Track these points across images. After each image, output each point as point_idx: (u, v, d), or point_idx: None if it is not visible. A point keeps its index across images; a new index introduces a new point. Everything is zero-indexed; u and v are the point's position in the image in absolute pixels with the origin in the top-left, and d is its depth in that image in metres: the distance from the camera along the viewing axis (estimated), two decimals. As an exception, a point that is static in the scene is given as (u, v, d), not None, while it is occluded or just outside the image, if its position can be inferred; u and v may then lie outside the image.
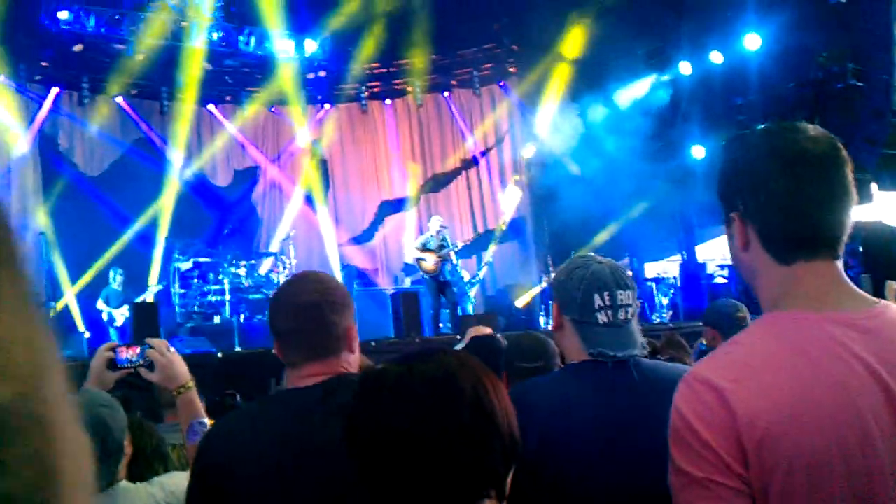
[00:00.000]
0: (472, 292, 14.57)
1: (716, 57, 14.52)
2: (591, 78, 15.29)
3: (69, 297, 13.21)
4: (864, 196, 13.55)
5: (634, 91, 15.58)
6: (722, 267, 14.31)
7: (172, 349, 2.72)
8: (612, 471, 2.05)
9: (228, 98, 15.96)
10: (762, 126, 1.65)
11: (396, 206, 16.54)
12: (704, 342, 5.32)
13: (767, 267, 1.53)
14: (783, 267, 1.51)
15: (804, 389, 1.37)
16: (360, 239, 16.31)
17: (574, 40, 14.94)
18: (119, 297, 12.14)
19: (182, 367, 2.68)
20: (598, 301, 2.21)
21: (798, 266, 1.50)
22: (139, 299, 11.99)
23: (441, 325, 12.24)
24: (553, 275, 13.96)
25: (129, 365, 2.69)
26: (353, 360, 2.24)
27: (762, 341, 1.48)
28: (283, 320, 2.18)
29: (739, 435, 1.34)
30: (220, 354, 9.77)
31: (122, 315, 11.94)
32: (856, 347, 1.41)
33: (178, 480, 2.52)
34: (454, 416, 1.26)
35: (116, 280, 12.25)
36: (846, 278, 1.54)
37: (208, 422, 2.63)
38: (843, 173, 1.51)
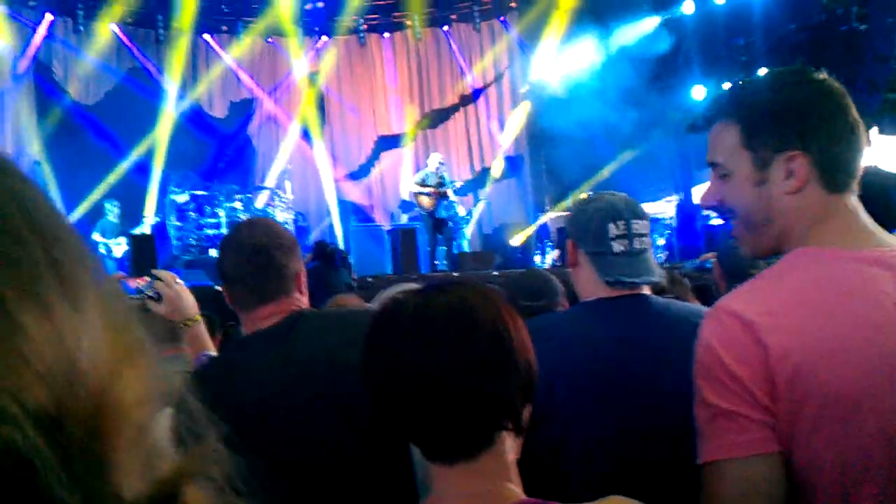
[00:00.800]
0: (469, 230, 14.58)
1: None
2: (593, 16, 15.08)
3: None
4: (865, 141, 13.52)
5: (637, 30, 15.41)
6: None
7: (180, 281, 2.71)
8: (627, 410, 2.05)
9: (224, 28, 15.71)
10: (786, 69, 1.65)
11: (394, 141, 16.43)
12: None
13: (814, 200, 1.52)
14: (832, 196, 1.52)
15: (836, 327, 1.37)
16: (357, 174, 16.22)
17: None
18: (116, 230, 12.10)
19: (190, 300, 2.68)
20: (613, 230, 2.18)
21: (842, 196, 1.53)
22: (136, 231, 11.95)
23: (437, 263, 12.27)
24: (550, 220, 14.00)
25: (138, 295, 2.68)
26: (304, 301, 2.28)
27: (794, 277, 1.48)
28: (233, 265, 2.19)
29: (770, 369, 1.35)
30: (217, 287, 9.76)
31: (118, 246, 11.92)
32: (887, 286, 1.42)
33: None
34: (471, 348, 1.24)
35: (112, 212, 12.20)
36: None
37: (216, 354, 2.63)
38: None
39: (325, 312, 2.40)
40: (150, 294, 2.64)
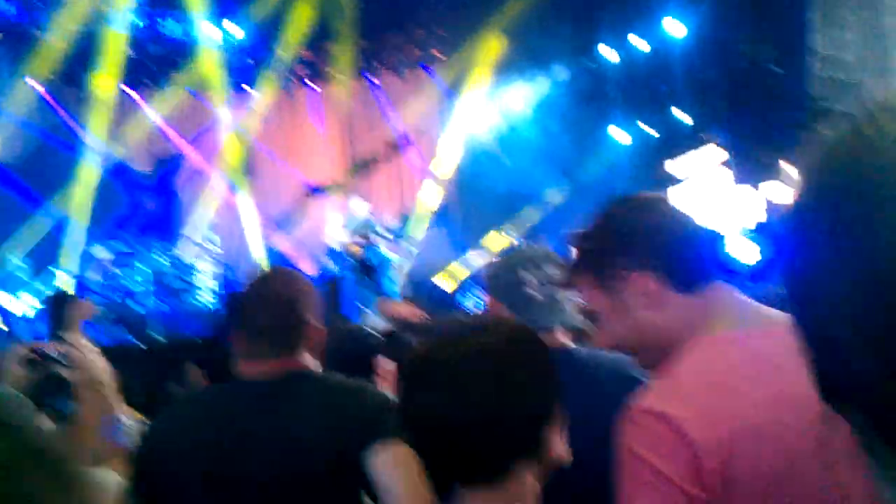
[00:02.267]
0: (399, 278, 14.55)
1: (640, 43, 14.75)
2: (516, 64, 15.36)
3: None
4: (773, 174, 13.89)
5: (556, 77, 15.72)
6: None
7: (93, 347, 2.67)
8: None
9: (149, 82, 15.57)
10: (627, 198, 1.78)
11: (321, 191, 16.38)
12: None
13: (674, 304, 1.57)
14: (691, 296, 1.57)
15: (755, 409, 1.38)
16: (285, 224, 16.11)
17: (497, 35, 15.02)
18: (18, 283, 11.57)
19: (101, 364, 2.63)
20: (530, 280, 2.23)
21: (707, 290, 1.58)
22: (47, 289, 11.53)
23: (367, 311, 12.19)
24: (472, 258, 14.07)
25: (49, 362, 2.62)
26: (308, 358, 2.28)
27: (699, 365, 1.48)
28: (255, 314, 2.20)
29: (697, 461, 1.33)
30: (144, 346, 9.60)
31: (24, 303, 11.46)
32: (781, 360, 1.45)
33: (104, 476, 2.43)
34: (489, 396, 1.36)
35: (11, 262, 11.70)
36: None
37: (125, 417, 2.57)
38: None
39: (320, 378, 2.37)
40: (61, 361, 2.58)
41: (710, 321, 1.54)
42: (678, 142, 15.90)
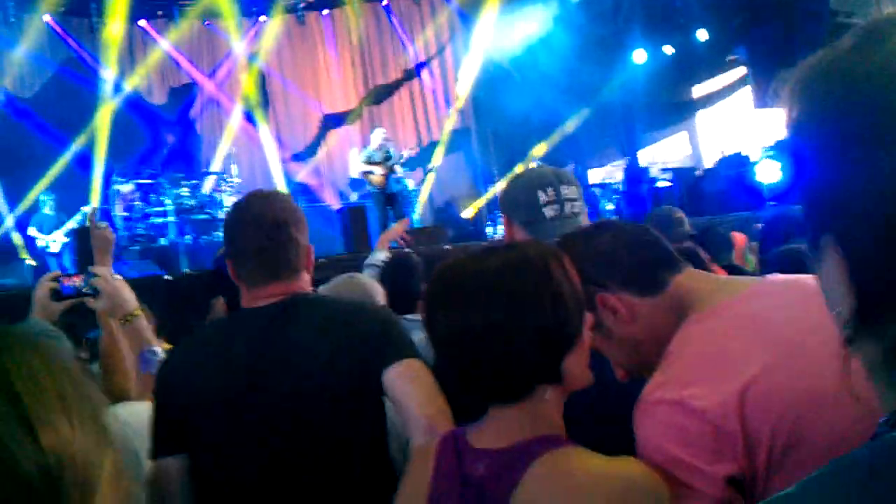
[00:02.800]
0: (419, 205, 14.58)
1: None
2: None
3: (9, 223, 12.92)
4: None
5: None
6: (664, 171, 14.47)
7: (118, 276, 2.66)
8: None
9: (160, 13, 15.43)
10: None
11: (339, 119, 16.29)
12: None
13: (645, 311, 1.57)
14: (659, 296, 1.57)
15: (757, 364, 1.36)
16: (304, 155, 16.06)
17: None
18: (52, 223, 11.74)
19: (128, 294, 2.62)
20: (542, 197, 2.22)
21: (672, 284, 1.58)
22: (69, 223, 11.67)
23: (390, 239, 12.22)
24: (499, 185, 14.06)
25: (75, 294, 2.63)
26: (307, 280, 2.27)
27: (692, 343, 1.47)
28: (246, 238, 2.17)
29: (719, 433, 1.31)
30: (168, 277, 9.67)
31: (54, 241, 11.64)
32: (775, 315, 1.45)
33: (135, 410, 2.41)
34: (502, 315, 1.39)
35: (48, 204, 11.84)
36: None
37: (159, 348, 2.57)
38: None
39: (323, 301, 2.37)
40: (87, 291, 2.59)
41: (689, 306, 1.53)
42: (699, 62, 15.66)
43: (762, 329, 1.42)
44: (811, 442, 1.30)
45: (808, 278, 1.58)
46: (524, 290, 1.40)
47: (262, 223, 2.16)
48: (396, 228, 5.00)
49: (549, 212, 2.21)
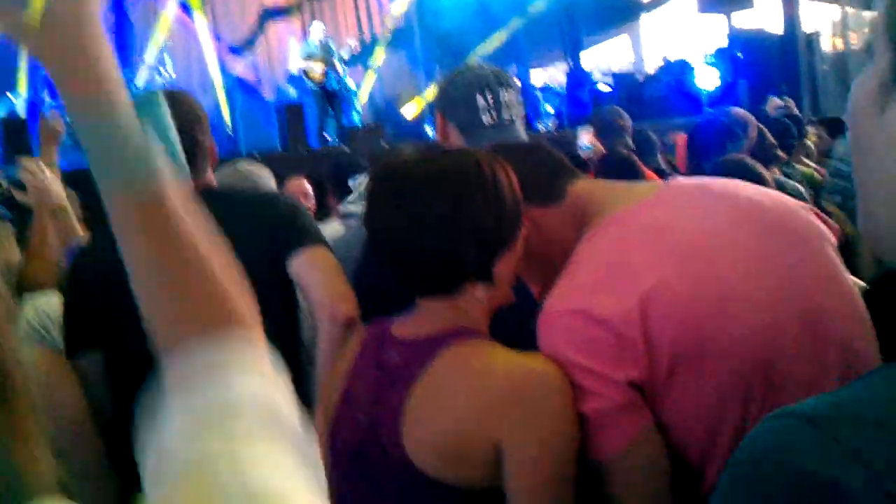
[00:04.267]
0: (360, 103, 14.36)
1: None
2: None
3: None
4: (745, 2, 13.72)
5: None
6: (606, 75, 14.45)
7: (47, 171, 2.60)
8: None
9: None
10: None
11: (278, 12, 15.80)
12: (585, 141, 5.50)
13: (544, 218, 1.58)
14: (557, 205, 1.59)
15: (659, 268, 1.37)
16: (241, 48, 15.61)
17: None
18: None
19: (57, 190, 2.58)
20: (480, 101, 2.18)
21: (570, 193, 1.60)
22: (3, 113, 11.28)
23: (328, 137, 12.10)
24: (437, 85, 13.92)
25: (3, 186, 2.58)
26: (211, 176, 2.30)
27: (592, 252, 1.47)
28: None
29: (620, 340, 1.32)
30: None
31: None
32: (682, 221, 1.46)
33: (52, 301, 2.41)
34: (436, 213, 1.43)
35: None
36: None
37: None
38: None
39: (229, 194, 2.38)
40: (14, 183, 2.54)
41: (590, 215, 1.54)
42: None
43: (663, 236, 1.42)
44: (714, 347, 1.32)
45: (714, 181, 1.62)
46: (465, 188, 1.43)
47: (183, 124, 2.09)
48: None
49: (486, 118, 2.18)
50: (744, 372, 1.32)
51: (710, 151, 4.05)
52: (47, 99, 11.88)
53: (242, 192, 2.51)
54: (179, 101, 2.20)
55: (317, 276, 2.06)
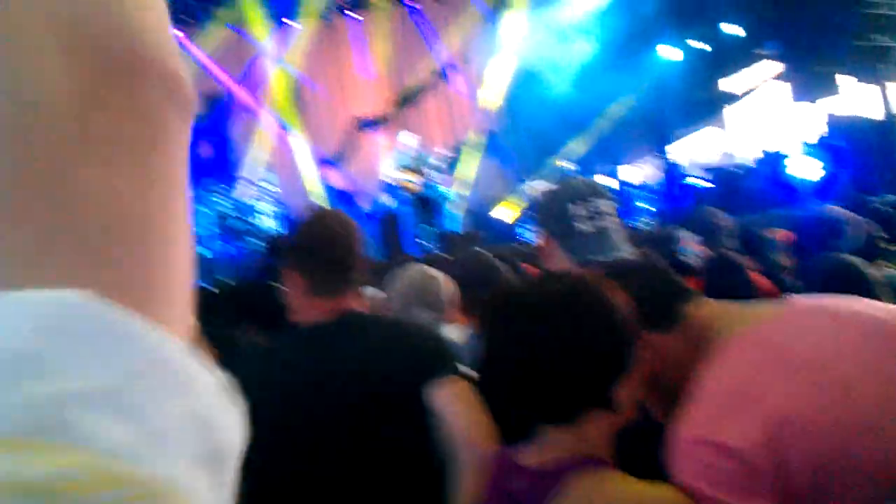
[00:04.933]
0: (454, 208, 14.53)
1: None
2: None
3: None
4: (831, 88, 13.58)
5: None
6: (698, 168, 14.37)
7: None
8: None
9: (189, 20, 15.52)
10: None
11: (371, 123, 16.32)
12: (690, 247, 5.41)
13: (667, 344, 1.59)
14: (675, 329, 1.60)
15: (792, 397, 1.35)
16: (337, 160, 16.11)
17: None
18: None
19: None
20: (576, 211, 2.25)
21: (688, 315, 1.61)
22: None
23: (425, 244, 12.23)
24: (530, 189, 14.04)
25: None
26: (360, 295, 2.39)
27: (720, 376, 1.45)
28: (321, 253, 2.23)
29: (755, 472, 1.31)
30: (205, 284, 9.70)
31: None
32: (805, 345, 1.44)
33: None
34: (559, 339, 1.43)
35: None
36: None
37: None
38: None
39: (376, 318, 2.47)
40: None
41: (707, 338, 1.53)
42: (731, 57, 15.53)
43: (789, 360, 1.41)
44: (848, 470, 1.30)
45: (833, 301, 1.57)
46: (582, 315, 1.44)
47: (336, 240, 2.24)
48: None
49: (582, 226, 2.24)
50: (879, 498, 1.29)
51: (814, 249, 3.97)
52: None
53: (388, 320, 2.59)
54: (342, 217, 2.30)
55: (458, 407, 2.09)
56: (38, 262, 0.39)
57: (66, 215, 0.39)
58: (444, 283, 3.30)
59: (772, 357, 1.42)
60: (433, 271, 3.38)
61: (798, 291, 3.40)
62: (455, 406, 2.10)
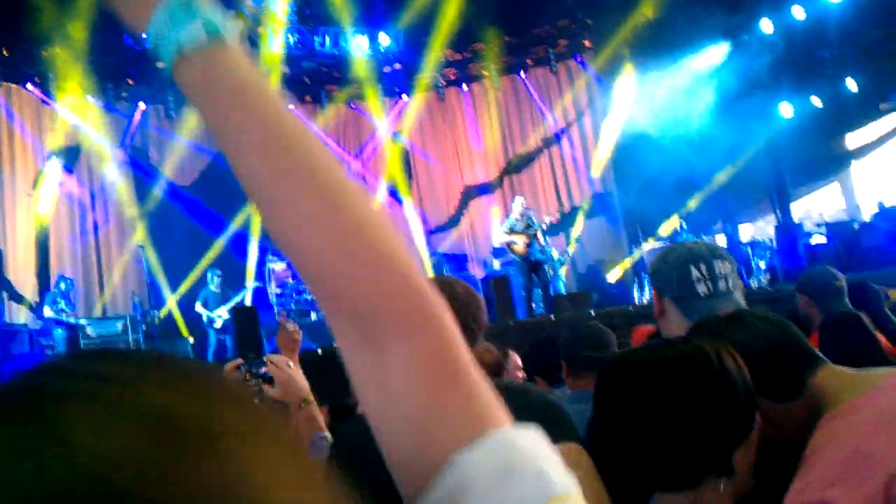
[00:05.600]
0: (563, 271, 14.50)
1: (798, 12, 14.15)
2: (667, 46, 14.99)
3: (171, 304, 13.63)
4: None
5: (711, 56, 15.28)
6: (819, 225, 13.92)
7: (293, 364, 2.72)
8: None
9: (308, 98, 16.19)
10: None
11: (481, 190, 16.54)
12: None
13: (786, 414, 1.56)
14: (794, 401, 1.56)
15: None
16: (447, 226, 16.36)
17: (646, 9, 14.77)
18: (217, 299, 12.30)
19: (302, 382, 2.66)
20: (695, 273, 2.16)
21: (809, 386, 1.57)
22: (234, 301, 12.22)
23: (534, 306, 12.21)
24: (646, 253, 13.86)
25: (253, 380, 2.68)
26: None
27: (835, 440, 1.44)
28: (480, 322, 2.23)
29: None
30: (320, 351, 9.96)
31: (219, 317, 12.17)
32: None
33: None
34: (676, 409, 1.40)
35: (214, 282, 12.39)
36: None
37: (328, 434, 2.60)
38: None
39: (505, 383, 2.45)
40: (263, 376, 2.65)
41: (822, 406, 1.50)
42: (848, 111, 15.10)
43: None
44: None
45: None
46: (698, 382, 1.41)
47: (468, 306, 2.20)
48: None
49: (701, 288, 2.15)
50: None
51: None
52: (272, 289, 12.79)
53: (497, 381, 2.55)
54: (460, 285, 2.34)
55: (574, 474, 2.04)
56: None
57: None
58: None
59: (883, 421, 1.39)
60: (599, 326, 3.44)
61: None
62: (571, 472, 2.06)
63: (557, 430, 2.07)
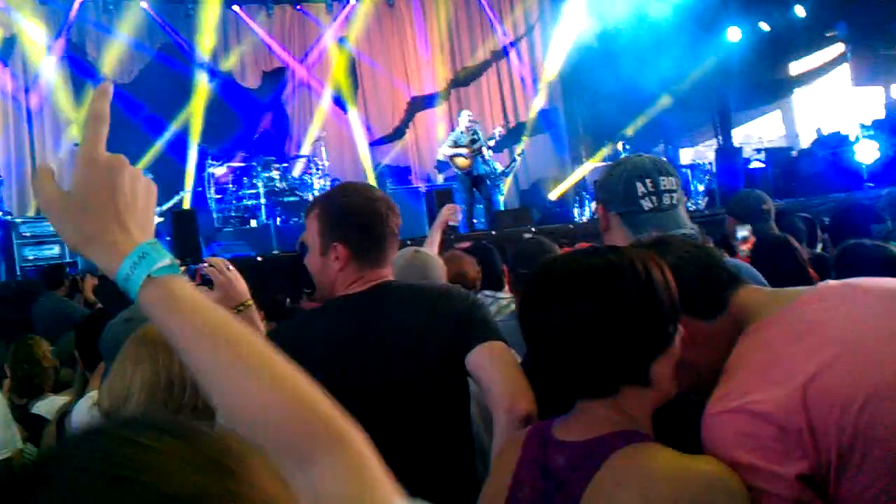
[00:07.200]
0: (505, 187, 14.54)
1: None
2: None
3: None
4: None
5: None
6: (758, 150, 14.12)
7: (232, 268, 2.71)
8: None
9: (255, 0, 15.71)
10: None
11: (427, 101, 16.34)
12: (743, 247, 5.32)
13: (705, 335, 1.57)
14: (717, 319, 1.59)
15: (818, 363, 1.37)
16: (392, 137, 16.18)
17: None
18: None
19: (242, 286, 2.67)
20: (640, 188, 2.19)
21: (729, 305, 1.60)
22: (169, 204, 12.01)
23: (475, 221, 12.26)
24: (588, 172, 13.94)
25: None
26: (390, 269, 2.39)
27: (751, 352, 1.48)
28: (359, 228, 2.26)
29: (785, 433, 1.33)
30: (259, 257, 9.92)
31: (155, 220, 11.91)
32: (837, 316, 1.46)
33: None
34: (592, 313, 1.43)
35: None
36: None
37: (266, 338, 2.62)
38: None
39: (410, 286, 2.45)
40: (203, 282, 2.63)
41: (745, 322, 1.54)
42: (794, 38, 15.19)
43: (818, 331, 1.42)
44: (882, 438, 1.30)
45: (865, 279, 1.58)
46: (621, 291, 1.43)
47: (382, 215, 2.26)
48: (444, 213, 4.81)
49: (646, 203, 2.18)
50: None
51: (855, 234, 3.90)
52: (212, 194, 12.62)
53: (421, 285, 2.55)
54: (383, 194, 2.35)
55: (496, 371, 2.07)
56: None
57: None
58: (439, 264, 3.36)
59: (804, 331, 1.43)
60: (426, 252, 3.45)
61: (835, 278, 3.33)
62: (490, 368, 2.09)
63: (481, 328, 2.16)
